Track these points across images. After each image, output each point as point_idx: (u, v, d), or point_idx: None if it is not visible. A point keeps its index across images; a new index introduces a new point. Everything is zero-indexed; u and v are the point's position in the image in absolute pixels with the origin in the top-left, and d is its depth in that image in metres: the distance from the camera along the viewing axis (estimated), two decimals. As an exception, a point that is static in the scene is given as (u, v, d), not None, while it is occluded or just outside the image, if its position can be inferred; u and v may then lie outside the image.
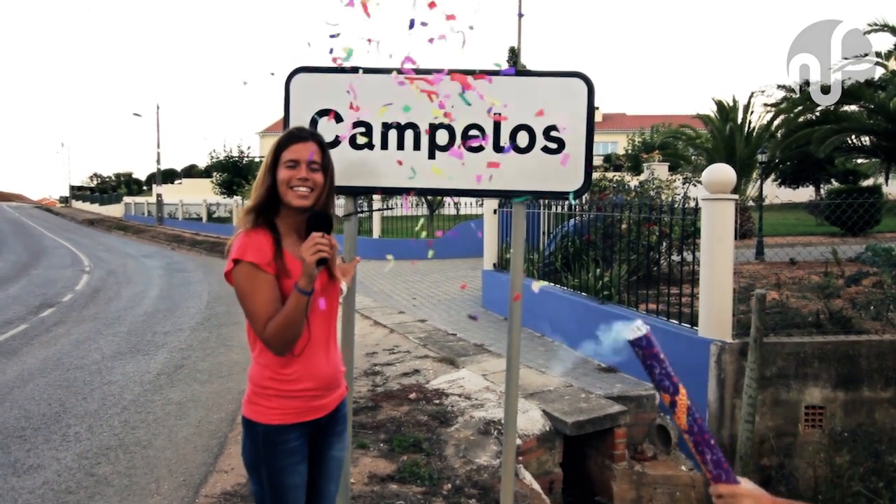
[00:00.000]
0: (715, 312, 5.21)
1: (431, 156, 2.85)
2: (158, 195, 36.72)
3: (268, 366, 1.96)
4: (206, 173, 44.84)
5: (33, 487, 4.14)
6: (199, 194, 37.12)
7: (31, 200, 74.49)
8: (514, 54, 28.42)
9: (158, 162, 38.81)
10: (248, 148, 37.50)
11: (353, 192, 2.90)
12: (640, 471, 5.02)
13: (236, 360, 7.34)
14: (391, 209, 17.59)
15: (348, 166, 2.77)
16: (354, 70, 2.86)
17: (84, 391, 6.34)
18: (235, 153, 36.00)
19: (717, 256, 5.23)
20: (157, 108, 38.53)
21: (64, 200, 69.94)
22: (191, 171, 54.22)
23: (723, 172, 5.29)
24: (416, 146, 2.84)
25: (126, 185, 63.98)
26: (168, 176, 46.50)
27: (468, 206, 20.55)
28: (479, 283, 10.69)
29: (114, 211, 46.96)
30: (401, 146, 2.84)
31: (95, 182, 72.79)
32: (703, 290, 5.33)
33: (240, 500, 3.82)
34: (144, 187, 60.71)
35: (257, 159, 39.72)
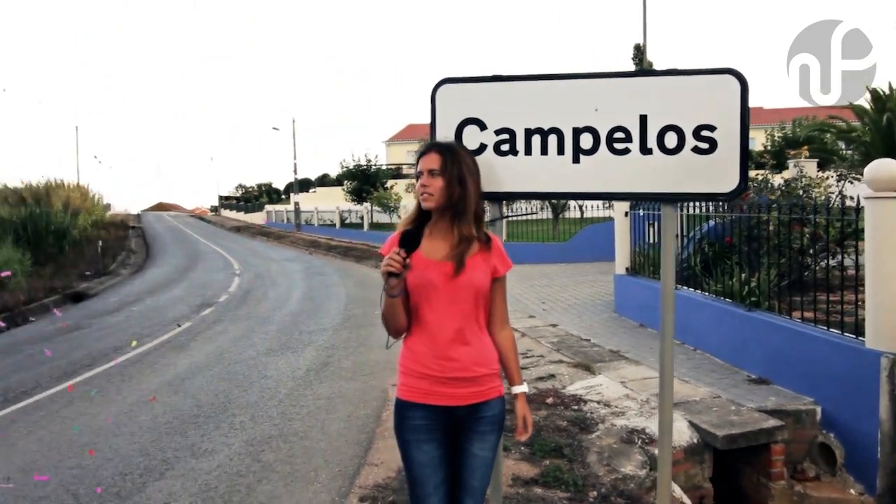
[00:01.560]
0: (885, 321, 4.76)
1: (576, 160, 2.87)
2: (296, 203, 39.18)
3: (403, 344, 2.34)
4: (337, 182, 47.26)
5: (210, 469, 4.61)
6: (331, 202, 39.24)
7: (186, 210, 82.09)
8: (639, 52, 27.47)
9: (295, 172, 41.45)
10: (376, 156, 39.05)
11: (497, 198, 2.99)
12: (801, 491, 4.70)
13: (376, 359, 7.70)
14: (534, 213, 17.57)
15: (492, 172, 2.85)
16: (498, 78, 2.96)
17: (244, 384, 6.93)
18: (363, 162, 37.65)
19: (886, 259, 4.79)
20: (293, 121, 41.32)
21: (214, 209, 76.62)
22: (324, 180, 57.36)
23: (889, 168, 4.83)
24: (560, 151, 2.87)
25: (267, 194, 68.92)
26: (304, 185, 49.51)
27: (593, 209, 20.14)
28: (610, 288, 10.46)
29: (257, 218, 50.72)
30: (544, 151, 2.88)
31: (240, 192, 79.10)
32: (869, 296, 4.90)
33: (391, 492, 4.02)
34: (283, 196, 65.04)
35: (384, 167, 41.30)
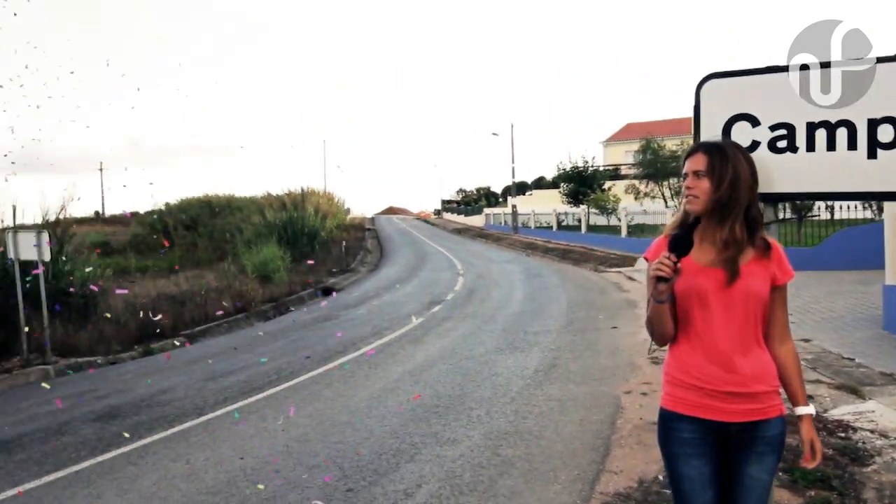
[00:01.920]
0: None
1: (871, 155, 2.53)
2: (513, 206, 40.06)
3: (669, 352, 2.26)
4: (553, 184, 47.39)
5: (454, 457, 4.90)
6: (548, 204, 39.43)
7: (412, 213, 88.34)
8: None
9: (513, 176, 42.42)
10: (593, 158, 38.40)
11: (772, 200, 2.74)
12: None
13: (605, 364, 7.56)
14: (815, 216, 16.08)
15: (766, 172, 2.61)
16: (773, 69, 2.72)
17: (477, 379, 7.25)
18: (580, 163, 37.23)
19: None
20: (512, 126, 42.13)
21: (437, 212, 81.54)
22: (540, 183, 57.98)
23: None
24: (852, 145, 2.55)
25: (485, 197, 71.62)
26: (520, 188, 50.46)
27: (849, 209, 17.64)
28: (876, 301, 9.09)
29: (476, 221, 52.86)
30: (831, 146, 2.58)
31: (460, 196, 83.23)
32: None
33: (633, 503, 3.92)
34: (500, 199, 67.03)
35: (601, 168, 40.43)
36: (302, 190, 34.07)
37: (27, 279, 10.04)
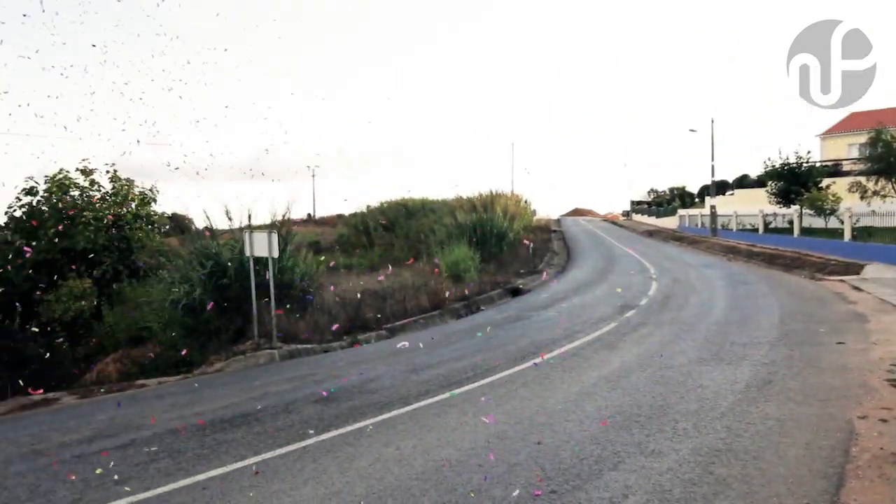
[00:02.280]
0: None
1: None
2: (712, 207, 37.33)
3: None
4: (758, 183, 43.30)
5: (661, 470, 4.68)
6: (752, 205, 36.11)
7: (599, 215, 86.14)
8: None
9: (712, 174, 39.50)
10: (808, 153, 34.48)
11: None
12: None
13: (831, 384, 6.72)
14: None
15: None
16: None
17: (680, 391, 6.86)
18: (792, 159, 33.60)
19: None
20: (712, 121, 39.22)
21: (625, 214, 78.65)
22: (742, 182, 53.31)
23: None
24: None
25: (679, 197, 67.57)
26: (720, 187, 46.82)
27: None
28: None
29: (669, 223, 50.10)
30: None
31: (652, 196, 79.43)
32: None
33: (880, 544, 3.45)
34: (696, 199, 62.82)
35: (818, 164, 36.13)
36: (491, 192, 34.85)
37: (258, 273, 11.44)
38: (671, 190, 75.27)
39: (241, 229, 13.33)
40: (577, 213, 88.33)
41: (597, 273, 21.31)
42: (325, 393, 7.64)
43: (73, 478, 5.30)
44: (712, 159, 38.88)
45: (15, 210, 17.30)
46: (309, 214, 65.15)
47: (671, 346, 9.21)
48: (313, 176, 74.92)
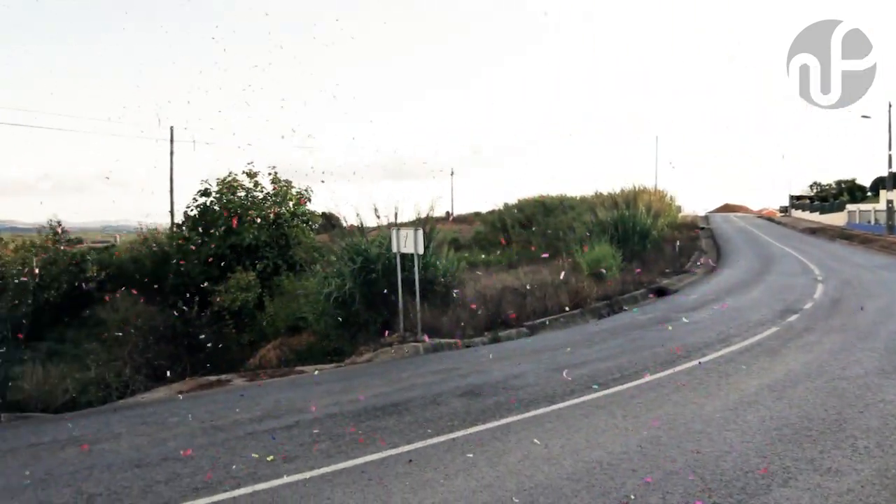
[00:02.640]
0: None
1: None
2: (889, 202, 33.39)
3: None
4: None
5: (839, 491, 4.27)
6: (940, 198, 31.82)
7: (753, 211, 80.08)
8: None
9: (889, 164, 35.26)
10: None
11: None
12: None
13: None
14: None
15: None
16: None
17: (857, 405, 6.21)
18: None
19: None
20: (889, 106, 34.95)
21: (783, 210, 72.36)
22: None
23: None
24: None
25: (848, 191, 61.00)
26: (898, 179, 41.69)
27: None
28: None
29: (835, 219, 45.50)
30: None
31: (814, 190, 72.43)
32: None
33: None
34: (869, 193, 56.47)
35: None
36: (634, 187, 33.62)
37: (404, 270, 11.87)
38: (838, 183, 68.14)
39: (388, 226, 13.91)
40: (727, 208, 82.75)
41: (752, 273, 19.85)
42: (470, 387, 7.77)
43: (248, 453, 5.82)
44: (889, 148, 34.71)
45: (192, 210, 19.32)
46: (447, 212, 66.57)
47: (844, 356, 8.37)
48: (451, 174, 76.42)
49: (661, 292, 17.25)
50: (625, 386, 7.45)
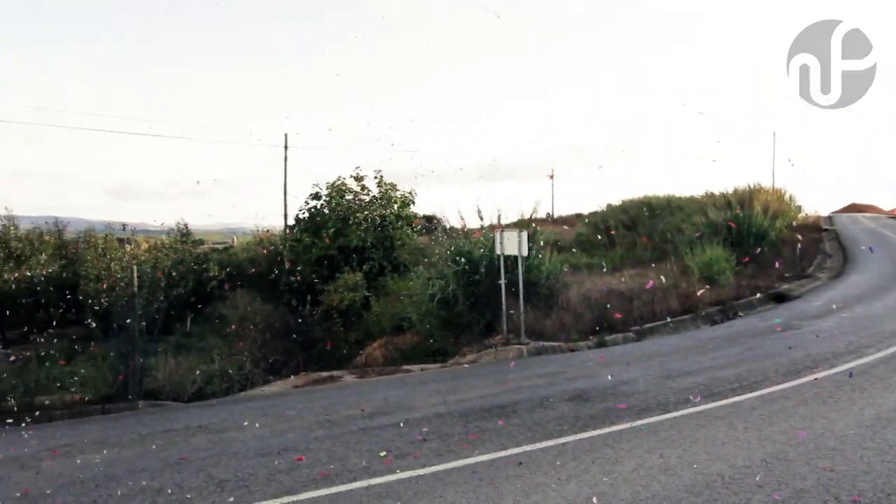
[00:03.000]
0: None
1: None
2: None
3: None
4: None
5: None
6: None
7: (884, 211, 73.54)
8: None
9: None
10: None
11: None
12: None
13: None
14: None
15: None
16: None
17: None
18: None
19: None
20: None
21: (920, 209, 65.91)
22: None
23: None
24: None
25: None
26: None
27: None
28: None
29: (983, 219, 40.81)
30: None
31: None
32: None
33: None
34: None
35: None
36: (749, 187, 31.74)
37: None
38: None
39: (490, 228, 13.96)
40: (853, 208, 76.33)
41: (886, 279, 18.22)
42: (577, 392, 7.64)
43: (361, 448, 6.02)
44: None
45: (303, 212, 20.25)
46: (548, 214, 65.80)
47: None
48: (551, 176, 75.46)
49: (781, 298, 16.21)
50: (744, 396, 7.05)
